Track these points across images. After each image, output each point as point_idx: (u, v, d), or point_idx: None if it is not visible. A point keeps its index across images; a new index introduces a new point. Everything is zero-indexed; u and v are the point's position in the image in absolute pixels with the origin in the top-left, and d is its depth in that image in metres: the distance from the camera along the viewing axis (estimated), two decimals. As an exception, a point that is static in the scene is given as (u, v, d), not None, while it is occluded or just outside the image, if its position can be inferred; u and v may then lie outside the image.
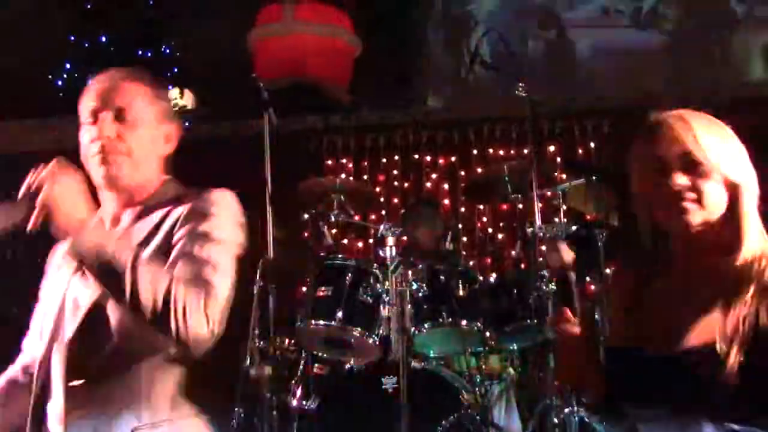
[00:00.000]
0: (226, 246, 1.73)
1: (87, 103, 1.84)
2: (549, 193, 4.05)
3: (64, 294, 1.79)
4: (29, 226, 1.59)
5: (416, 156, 5.98)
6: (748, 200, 1.59)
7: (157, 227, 1.76)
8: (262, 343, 3.25)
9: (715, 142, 1.61)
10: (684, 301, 1.59)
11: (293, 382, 3.61)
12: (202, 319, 1.59)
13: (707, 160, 1.59)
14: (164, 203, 1.81)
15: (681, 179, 1.58)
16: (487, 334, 3.70)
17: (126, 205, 1.84)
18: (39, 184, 1.59)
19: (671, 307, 1.60)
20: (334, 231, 4.43)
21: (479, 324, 3.62)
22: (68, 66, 7.11)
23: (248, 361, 3.16)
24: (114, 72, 1.89)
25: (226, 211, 1.77)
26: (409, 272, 3.55)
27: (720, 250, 1.59)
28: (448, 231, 4.21)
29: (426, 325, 3.55)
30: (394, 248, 3.50)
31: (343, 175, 5.18)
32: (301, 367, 3.68)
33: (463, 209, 5.74)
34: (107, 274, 1.59)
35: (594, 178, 3.81)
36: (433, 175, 5.92)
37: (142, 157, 1.82)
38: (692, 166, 1.59)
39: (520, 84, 3.77)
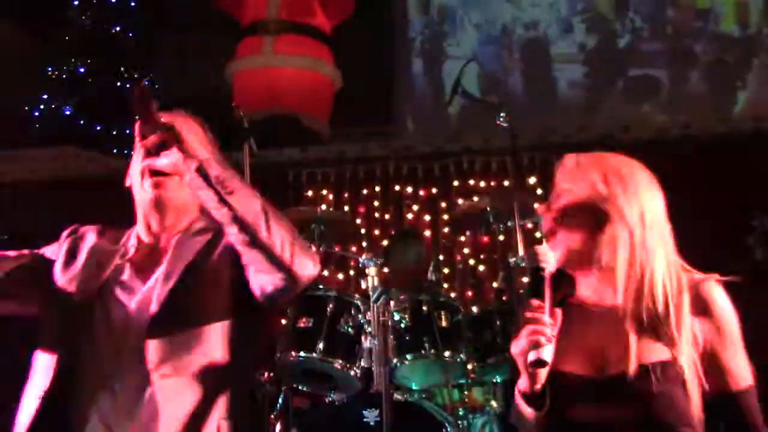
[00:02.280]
0: None
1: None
2: (530, 225, 4.05)
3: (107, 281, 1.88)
4: (147, 142, 1.77)
5: (397, 187, 5.97)
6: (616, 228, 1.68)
7: (208, 252, 1.89)
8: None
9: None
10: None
11: (273, 416, 3.53)
12: (314, 258, 1.80)
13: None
14: (208, 230, 1.94)
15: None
16: (470, 366, 3.66)
17: (169, 229, 1.95)
18: (170, 118, 1.76)
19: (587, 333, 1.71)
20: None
21: (462, 356, 3.58)
22: (45, 97, 7.07)
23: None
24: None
25: None
26: (391, 303, 3.51)
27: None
28: (430, 262, 4.18)
29: (408, 357, 3.50)
30: (375, 279, 3.46)
31: (323, 206, 5.14)
32: (281, 400, 3.62)
33: (444, 240, 5.72)
34: (239, 199, 1.72)
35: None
36: (414, 207, 5.92)
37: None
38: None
39: (501, 115, 3.79)
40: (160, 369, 1.75)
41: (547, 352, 1.59)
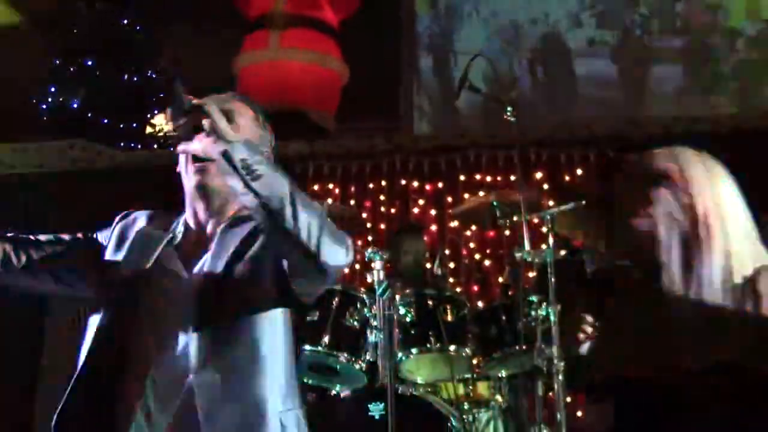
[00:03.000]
0: None
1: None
2: (536, 220, 4.04)
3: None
4: (176, 126, 1.72)
5: (403, 182, 5.96)
6: (710, 222, 1.66)
7: (251, 240, 1.85)
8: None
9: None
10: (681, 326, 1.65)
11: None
12: (344, 246, 1.72)
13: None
14: (252, 217, 1.87)
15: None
16: (475, 360, 3.66)
17: (216, 215, 1.91)
18: (202, 100, 1.71)
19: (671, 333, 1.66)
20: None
21: (467, 350, 3.58)
22: (53, 89, 7.08)
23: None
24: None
25: None
26: (397, 297, 3.52)
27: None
28: (435, 255, 4.17)
29: (413, 351, 3.51)
30: (381, 272, 3.46)
31: (329, 200, 5.14)
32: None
33: (450, 235, 5.71)
34: (265, 184, 1.65)
35: (582, 203, 3.80)
36: (420, 201, 5.91)
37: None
38: None
39: (508, 109, 3.78)
40: (202, 364, 1.73)
41: (584, 348, 1.83)
